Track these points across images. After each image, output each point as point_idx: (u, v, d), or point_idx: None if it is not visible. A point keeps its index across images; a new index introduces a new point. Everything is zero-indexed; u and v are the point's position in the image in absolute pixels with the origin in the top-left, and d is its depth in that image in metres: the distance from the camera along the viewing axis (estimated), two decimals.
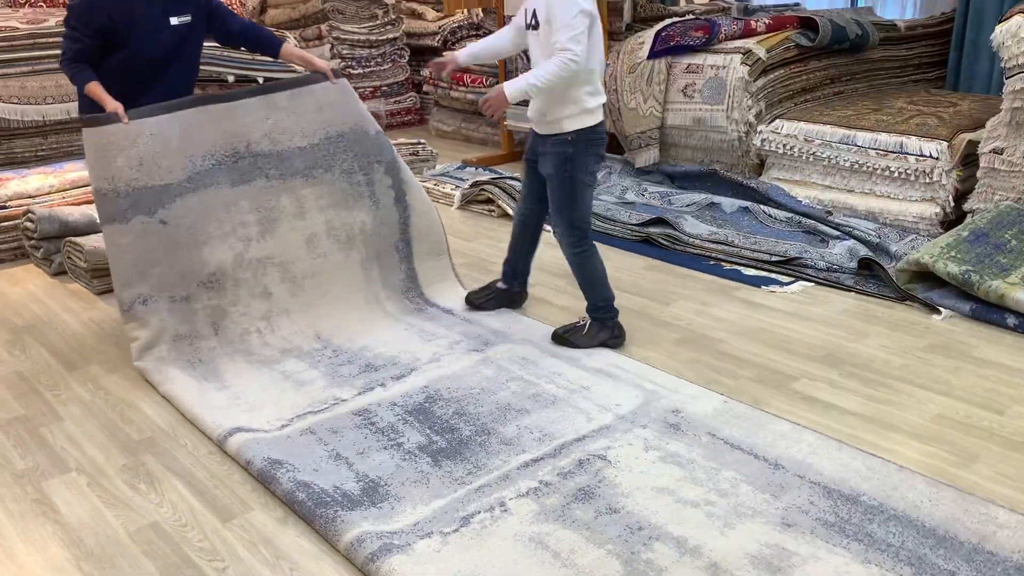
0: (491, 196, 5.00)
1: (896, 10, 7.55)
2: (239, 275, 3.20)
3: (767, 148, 4.83)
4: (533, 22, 3.00)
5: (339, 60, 7.26)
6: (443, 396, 2.84)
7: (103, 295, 3.88)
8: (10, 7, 6.20)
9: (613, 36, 6.08)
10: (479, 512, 2.25)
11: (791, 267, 3.89)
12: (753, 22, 5.30)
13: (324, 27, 7.34)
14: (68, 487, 2.49)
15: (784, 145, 4.73)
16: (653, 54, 5.32)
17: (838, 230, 4.16)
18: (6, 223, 4.38)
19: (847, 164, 4.49)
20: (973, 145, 4.12)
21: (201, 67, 3.59)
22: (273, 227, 3.27)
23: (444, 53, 3.13)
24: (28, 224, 4.26)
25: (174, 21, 3.17)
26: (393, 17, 7.72)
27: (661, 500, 2.28)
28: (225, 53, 5.47)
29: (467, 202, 5.17)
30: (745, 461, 2.43)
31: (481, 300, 3.53)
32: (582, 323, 3.24)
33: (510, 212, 4.70)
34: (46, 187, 4.56)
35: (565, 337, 3.20)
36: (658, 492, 2.31)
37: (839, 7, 7.38)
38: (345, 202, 3.42)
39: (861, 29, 5.30)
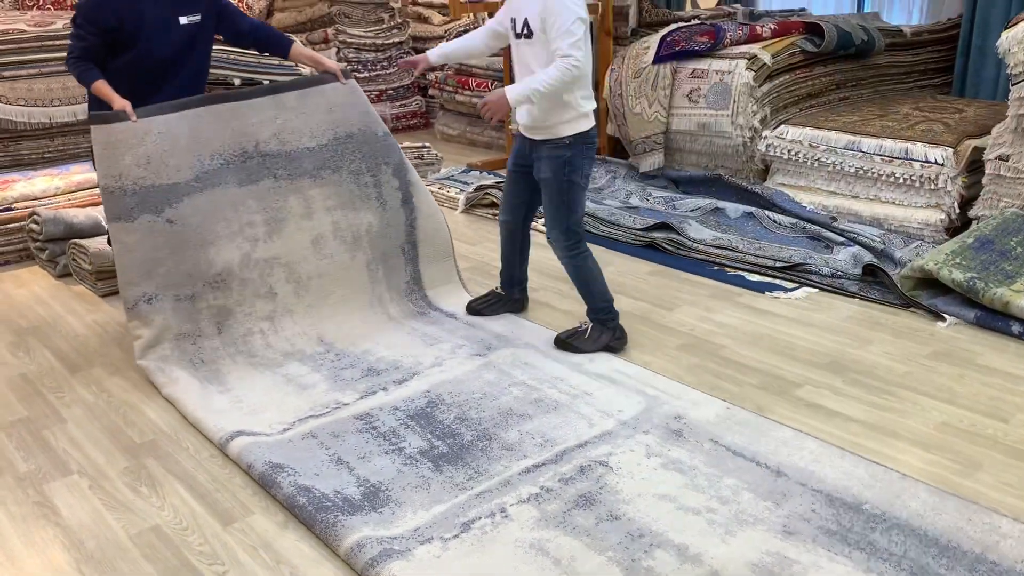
0: (495, 200, 5.00)
1: (903, 15, 7.53)
2: (246, 275, 3.20)
3: (772, 153, 4.82)
4: (525, 31, 3.01)
5: (345, 64, 7.28)
6: (445, 401, 2.84)
7: (107, 297, 3.89)
8: (18, 10, 6.23)
9: (618, 41, 6.08)
10: (480, 518, 2.24)
11: (795, 273, 3.88)
12: (758, 27, 5.29)
13: (330, 31, 7.35)
14: (70, 490, 2.49)
15: (789, 150, 4.73)
16: (658, 59, 5.32)
17: (843, 236, 4.15)
18: (12, 225, 4.39)
19: (852, 170, 4.48)
20: (979, 151, 4.11)
21: None
22: (280, 227, 3.27)
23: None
24: (33, 226, 4.28)
25: (183, 20, 3.14)
26: (399, 21, 7.73)
27: (662, 507, 2.27)
28: (231, 56, 5.48)
29: (471, 206, 5.17)
30: (747, 468, 2.43)
31: (482, 306, 3.53)
32: (584, 327, 3.23)
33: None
34: (52, 189, 4.57)
35: (568, 342, 3.20)
36: (659, 499, 2.30)
37: (845, 12, 7.37)
38: (352, 203, 3.42)
39: (867, 35, 5.29)
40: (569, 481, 2.39)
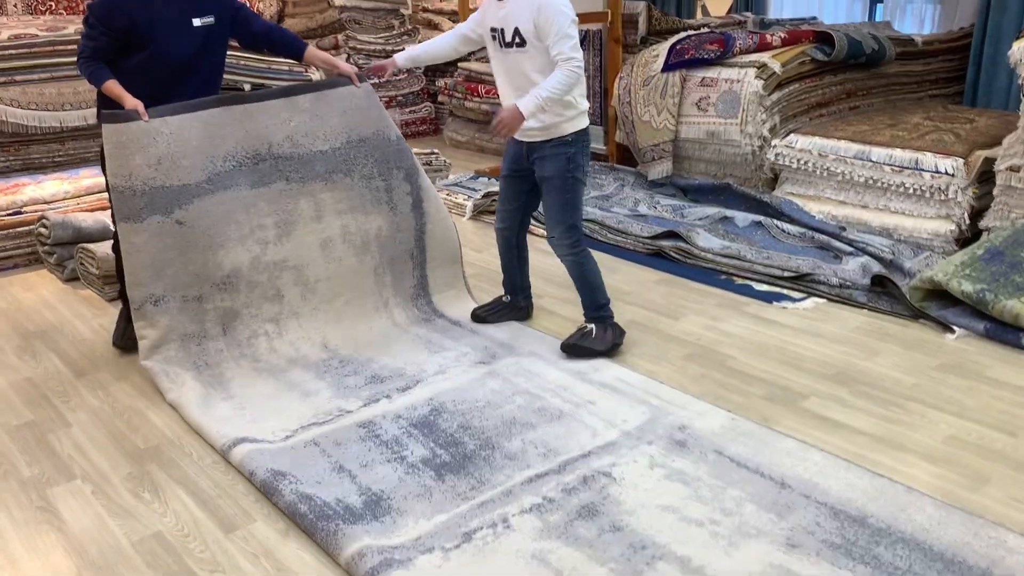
0: None
1: (914, 25, 7.50)
2: (254, 278, 3.20)
3: (781, 162, 4.80)
4: (516, 40, 3.03)
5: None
6: (448, 409, 2.83)
7: (114, 302, 3.89)
8: (30, 14, 6.26)
9: (627, 48, 6.07)
10: (481, 528, 2.23)
11: (803, 283, 3.86)
12: (768, 36, 5.28)
13: (340, 37, 7.37)
14: (73, 495, 2.49)
15: (798, 160, 4.71)
16: (667, 67, 5.31)
17: (852, 246, 4.12)
18: (21, 228, 4.41)
19: (861, 180, 4.45)
20: (989, 162, 4.08)
21: None
22: (290, 230, 3.27)
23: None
24: (42, 230, 4.30)
25: (197, 23, 3.11)
26: (409, 27, 7.75)
27: (665, 518, 2.25)
28: (241, 61, 5.51)
29: (479, 212, 5.17)
30: (751, 480, 2.41)
31: (487, 313, 3.53)
32: (587, 329, 3.24)
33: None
34: (61, 193, 4.59)
35: (579, 346, 3.20)
36: (663, 510, 2.29)
37: (856, 21, 7.35)
38: (363, 207, 3.42)
39: (877, 44, 5.27)
40: (572, 491, 2.37)
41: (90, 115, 4.90)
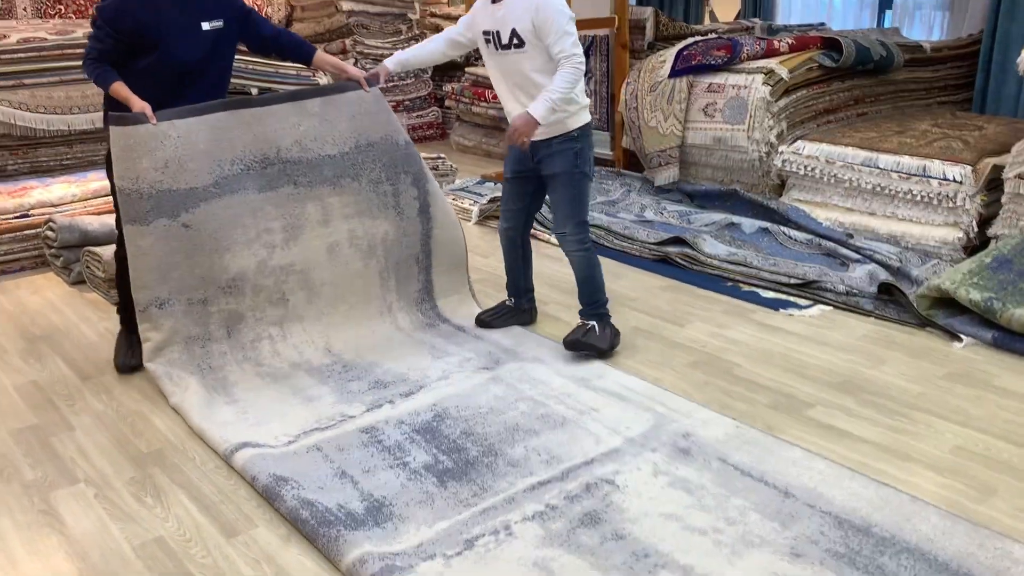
0: None
1: (923, 31, 7.48)
2: (260, 281, 3.20)
3: (788, 169, 4.79)
4: (515, 41, 3.05)
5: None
6: (451, 415, 2.82)
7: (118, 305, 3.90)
8: (40, 18, 6.29)
9: (635, 54, 6.06)
10: (483, 535, 2.22)
11: (810, 290, 3.84)
12: (776, 42, 5.27)
13: (348, 41, 7.39)
14: (75, 499, 2.49)
15: (805, 166, 4.69)
16: (674, 73, 5.30)
17: (859, 253, 4.11)
18: (28, 231, 4.42)
19: (869, 186, 4.44)
20: (998, 170, 4.06)
21: None
22: (298, 234, 3.27)
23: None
24: (49, 233, 4.31)
25: (206, 26, 3.09)
26: (417, 32, 7.76)
27: (668, 527, 2.24)
28: (249, 65, 5.52)
29: (485, 217, 5.17)
30: (755, 488, 2.39)
31: (491, 318, 3.52)
32: (588, 325, 3.26)
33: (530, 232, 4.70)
34: (68, 196, 4.61)
35: (583, 342, 3.22)
36: (666, 518, 2.28)
37: (865, 28, 7.33)
38: (370, 211, 3.42)
39: (886, 50, 5.25)
40: (575, 499, 2.36)
41: (98, 119, 4.90)
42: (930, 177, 4.20)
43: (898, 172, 4.32)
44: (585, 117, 3.17)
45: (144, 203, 2.98)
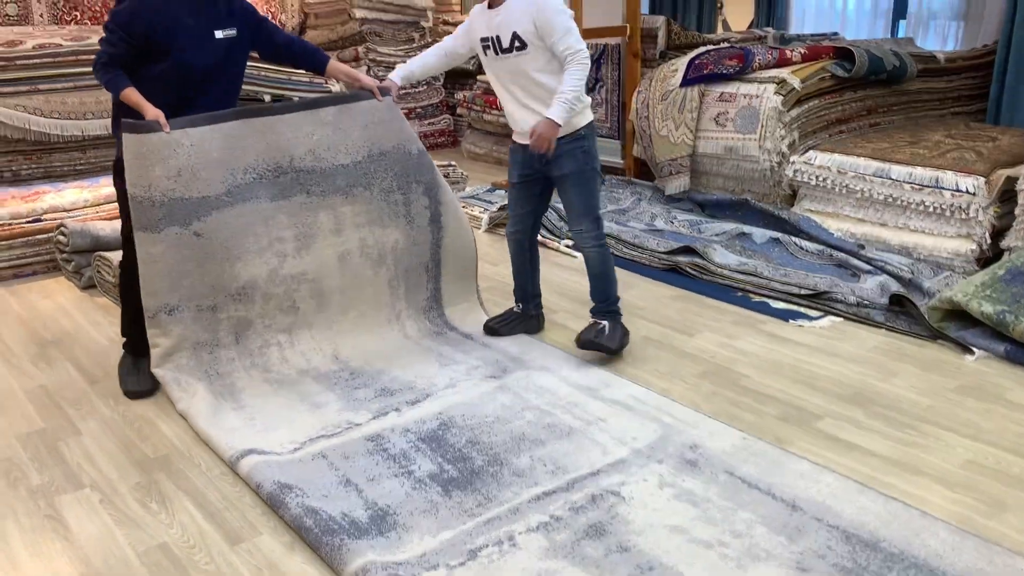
0: None
1: (937, 42, 7.45)
2: (271, 290, 3.20)
3: (799, 179, 4.77)
4: (516, 44, 3.08)
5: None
6: (457, 423, 2.81)
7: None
8: (56, 24, 6.35)
9: (646, 63, 6.05)
10: (487, 545, 2.21)
11: (820, 301, 3.82)
12: (788, 51, 5.25)
13: (361, 49, 7.41)
14: (80, 504, 2.49)
15: (817, 176, 4.67)
16: (686, 82, 5.29)
17: (870, 264, 4.08)
18: (40, 236, 4.45)
19: (881, 197, 4.41)
20: (1011, 181, 4.03)
21: None
22: (310, 243, 3.27)
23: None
24: (61, 238, 4.33)
25: (219, 35, 3.08)
26: (429, 40, 7.77)
27: (674, 540, 2.22)
28: (261, 72, 5.54)
29: (494, 225, 5.17)
30: (762, 501, 2.37)
31: (499, 325, 3.52)
32: (601, 325, 3.27)
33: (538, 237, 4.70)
34: (81, 201, 4.63)
35: (595, 342, 3.24)
36: (671, 531, 2.26)
37: (879, 37, 7.30)
38: (381, 220, 3.41)
39: (899, 60, 5.22)
40: (580, 510, 2.35)
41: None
42: (943, 188, 4.17)
43: (910, 183, 4.29)
44: (589, 115, 3.22)
45: (156, 211, 2.98)
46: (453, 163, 6.02)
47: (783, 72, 5.01)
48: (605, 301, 3.31)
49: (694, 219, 4.98)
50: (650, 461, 2.58)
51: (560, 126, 3.04)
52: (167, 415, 2.98)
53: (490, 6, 3.16)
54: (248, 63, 3.31)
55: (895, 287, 3.80)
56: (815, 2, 8.76)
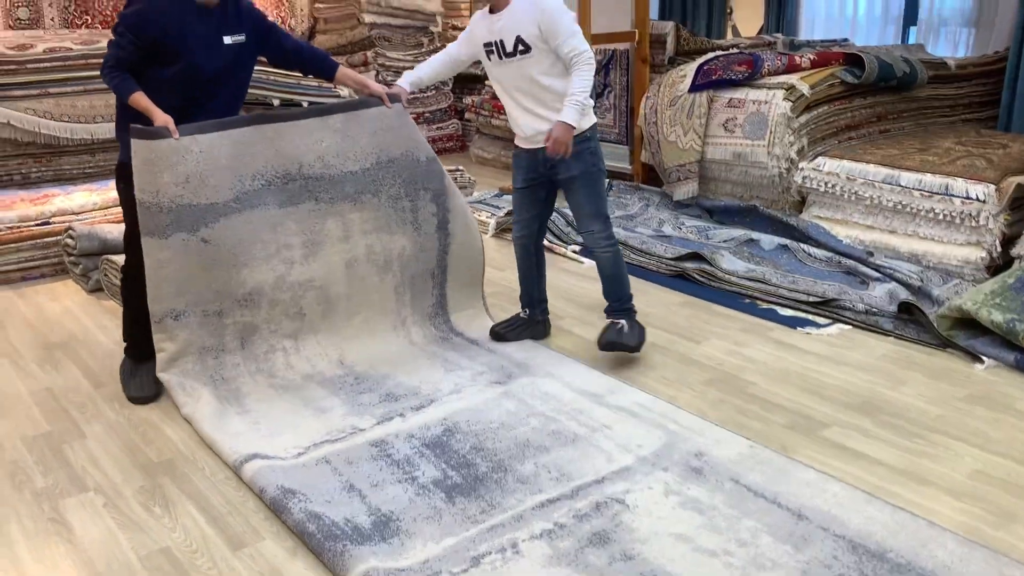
0: None
1: (948, 48, 7.42)
2: (277, 296, 3.19)
3: (808, 185, 4.75)
4: (520, 47, 3.09)
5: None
6: (462, 429, 2.80)
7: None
8: (67, 28, 6.38)
9: (655, 68, 6.05)
10: (490, 553, 2.20)
11: (829, 308, 3.79)
12: (798, 57, 5.23)
13: (370, 54, 7.43)
14: (84, 507, 2.49)
15: (826, 183, 4.65)
16: (694, 87, 5.28)
17: (879, 272, 4.05)
18: (49, 239, 4.47)
19: (890, 204, 4.38)
20: (1022, 189, 4.00)
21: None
22: (317, 250, 3.26)
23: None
24: (68, 241, 4.35)
25: (228, 40, 3.07)
26: (438, 45, 7.79)
27: (678, 548, 2.21)
28: (270, 77, 5.56)
29: (502, 230, 5.16)
30: (768, 510, 2.35)
31: (505, 330, 3.51)
32: (619, 325, 3.28)
33: (544, 242, 4.69)
34: (89, 204, 4.65)
35: (618, 343, 3.26)
36: (676, 539, 2.24)
37: (889, 44, 7.28)
38: (388, 227, 3.41)
39: (909, 67, 5.20)
40: (584, 518, 2.33)
41: None
42: (953, 195, 4.14)
43: (920, 190, 4.26)
44: (592, 116, 3.25)
45: (163, 217, 2.98)
46: (461, 168, 6.02)
47: (792, 78, 4.99)
48: (620, 300, 3.33)
49: (702, 225, 4.96)
50: (655, 469, 2.56)
51: (575, 128, 3.07)
52: (172, 419, 2.98)
53: (491, 11, 3.17)
54: (257, 67, 3.31)
55: (904, 295, 3.77)
56: (825, 8, 8.75)
